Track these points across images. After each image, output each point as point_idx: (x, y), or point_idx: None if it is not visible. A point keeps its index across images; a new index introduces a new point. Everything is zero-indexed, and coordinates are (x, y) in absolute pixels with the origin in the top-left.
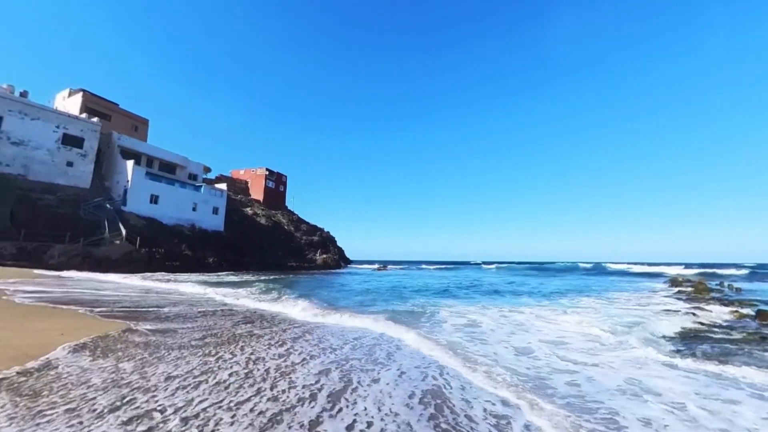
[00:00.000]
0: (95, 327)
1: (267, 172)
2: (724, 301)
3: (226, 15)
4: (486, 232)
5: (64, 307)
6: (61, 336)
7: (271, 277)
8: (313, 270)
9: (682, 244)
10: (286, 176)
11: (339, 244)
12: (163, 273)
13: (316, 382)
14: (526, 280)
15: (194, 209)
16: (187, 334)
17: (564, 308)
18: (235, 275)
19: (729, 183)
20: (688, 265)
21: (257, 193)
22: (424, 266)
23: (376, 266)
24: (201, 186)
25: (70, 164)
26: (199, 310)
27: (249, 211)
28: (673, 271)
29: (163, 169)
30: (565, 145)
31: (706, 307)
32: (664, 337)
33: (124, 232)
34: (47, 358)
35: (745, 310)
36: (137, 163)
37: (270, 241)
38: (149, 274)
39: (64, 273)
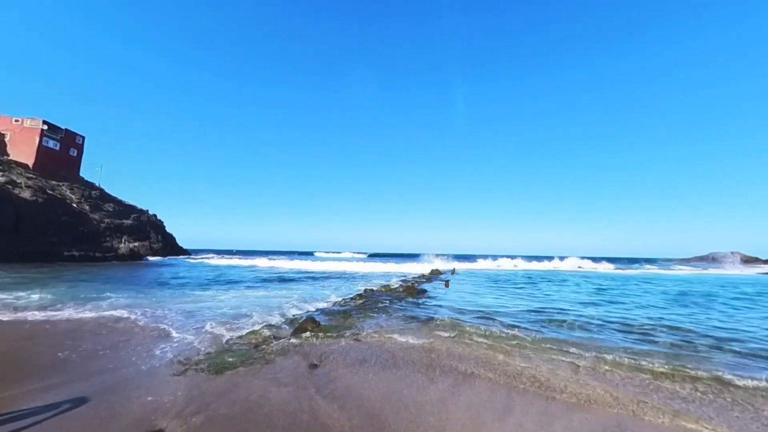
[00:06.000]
0: None
1: (45, 126)
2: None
3: None
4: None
5: None
6: None
7: None
8: (109, 262)
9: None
10: (83, 137)
11: (171, 230)
12: None
13: None
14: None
15: None
16: None
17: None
18: None
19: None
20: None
21: (24, 154)
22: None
23: (208, 256)
24: None
25: None
26: None
27: (0, 178)
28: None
29: None
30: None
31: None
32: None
33: None
34: None
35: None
36: None
37: (38, 223)
38: None
39: None
